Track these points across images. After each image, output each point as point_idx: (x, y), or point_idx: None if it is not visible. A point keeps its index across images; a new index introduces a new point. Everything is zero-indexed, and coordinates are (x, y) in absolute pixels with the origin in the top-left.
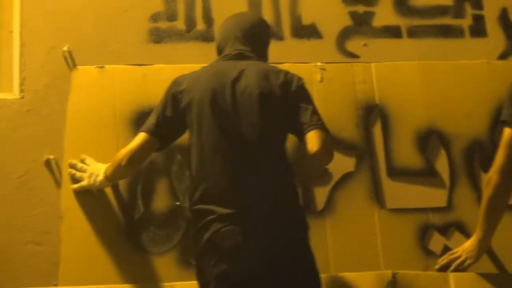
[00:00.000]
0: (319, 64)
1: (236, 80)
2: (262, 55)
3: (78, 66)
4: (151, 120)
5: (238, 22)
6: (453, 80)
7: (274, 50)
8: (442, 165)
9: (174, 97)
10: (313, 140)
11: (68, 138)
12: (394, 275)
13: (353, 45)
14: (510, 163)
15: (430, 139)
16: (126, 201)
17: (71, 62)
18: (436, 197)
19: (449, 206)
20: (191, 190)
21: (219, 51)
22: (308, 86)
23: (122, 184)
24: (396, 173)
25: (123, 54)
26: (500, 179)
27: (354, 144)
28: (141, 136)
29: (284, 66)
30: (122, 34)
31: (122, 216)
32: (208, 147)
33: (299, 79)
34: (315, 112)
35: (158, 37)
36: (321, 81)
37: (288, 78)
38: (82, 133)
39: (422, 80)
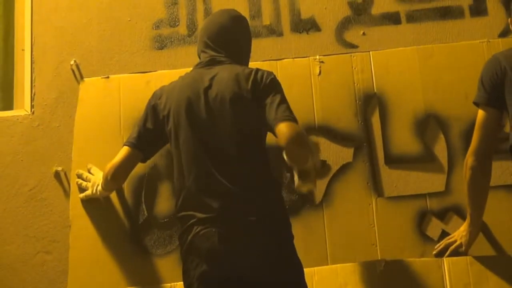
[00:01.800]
0: (317, 57)
1: (208, 87)
2: (237, 56)
3: (85, 78)
4: (133, 133)
5: (207, 27)
6: (452, 62)
7: (274, 46)
8: (440, 149)
9: (154, 109)
10: (281, 134)
11: (76, 149)
12: (386, 263)
13: (352, 35)
14: (483, 144)
15: (428, 124)
16: (131, 206)
17: (78, 75)
18: (434, 182)
19: (447, 190)
20: (175, 199)
21: (199, 57)
22: (307, 80)
23: (127, 189)
24: (393, 160)
25: (128, 63)
26: (475, 161)
27: (352, 134)
28: (124, 150)
29: (283, 62)
30: (127, 44)
31: (127, 221)
32: (185, 156)
33: (268, 74)
34: (282, 103)
35: (160, 43)
36: (320, 74)
37: (257, 78)
38: (89, 143)
39: (420, 64)
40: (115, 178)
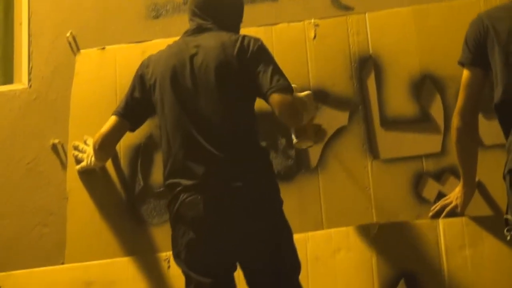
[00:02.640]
0: (312, 21)
1: (194, 55)
2: (224, 23)
3: (81, 50)
4: (121, 103)
5: None
6: (448, 22)
7: (269, 11)
8: (436, 109)
9: (141, 78)
10: (274, 105)
11: (73, 121)
12: (380, 226)
13: None
14: (469, 104)
15: (424, 85)
16: (127, 177)
17: (75, 47)
18: (430, 143)
19: (443, 151)
20: (163, 167)
21: None
22: (302, 44)
23: (123, 160)
24: (389, 122)
25: (124, 33)
26: (460, 121)
27: (348, 98)
28: (111, 120)
29: (278, 27)
30: (122, 14)
31: (123, 192)
32: (170, 124)
33: (255, 41)
34: (275, 72)
35: (156, 12)
36: (315, 38)
37: (243, 45)
38: (85, 114)
39: (416, 25)
40: (103, 147)
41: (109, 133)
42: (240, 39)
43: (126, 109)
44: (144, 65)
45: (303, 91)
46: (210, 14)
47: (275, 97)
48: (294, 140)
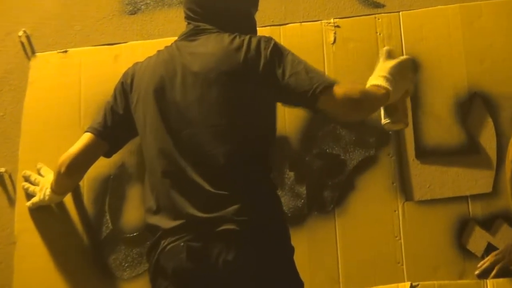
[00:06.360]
0: (332, 21)
1: (186, 64)
2: (226, 26)
3: (37, 53)
4: (98, 118)
5: None
6: (505, 24)
7: (278, 8)
8: (487, 138)
9: (124, 90)
10: (336, 101)
11: (24, 144)
12: (412, 287)
13: None
14: None
15: (472, 105)
16: (92, 217)
17: (29, 49)
18: (478, 180)
19: (496, 192)
20: (146, 203)
21: None
22: (318, 50)
23: (87, 195)
24: (427, 153)
25: (92, 33)
26: None
27: (375, 120)
28: (85, 138)
29: (288, 27)
30: (90, 9)
31: (86, 236)
32: (153, 149)
33: (266, 44)
34: (307, 70)
35: (133, 7)
36: (334, 42)
37: (251, 51)
38: (40, 136)
39: (464, 28)
40: (71, 171)
41: (80, 154)
42: (246, 42)
43: (105, 127)
44: (128, 75)
45: None
46: (207, 16)
47: (327, 96)
48: (384, 121)
